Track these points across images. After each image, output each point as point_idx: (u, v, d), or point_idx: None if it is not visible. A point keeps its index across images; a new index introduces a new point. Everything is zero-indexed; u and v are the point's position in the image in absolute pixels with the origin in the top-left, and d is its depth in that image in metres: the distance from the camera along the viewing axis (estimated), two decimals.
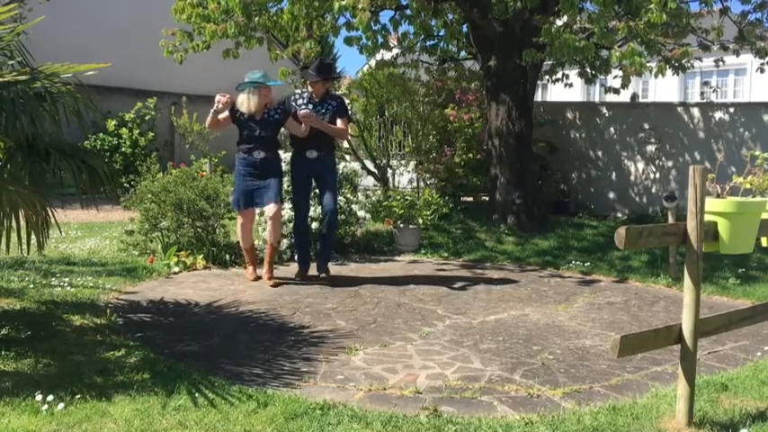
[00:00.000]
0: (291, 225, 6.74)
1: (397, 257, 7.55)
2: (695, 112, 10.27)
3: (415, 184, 10.46)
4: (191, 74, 11.72)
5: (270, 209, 5.88)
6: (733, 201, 3.15)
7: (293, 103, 6.10)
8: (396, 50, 9.96)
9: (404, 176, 10.59)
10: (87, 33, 13.15)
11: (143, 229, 6.84)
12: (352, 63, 59.26)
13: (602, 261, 7.38)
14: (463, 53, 10.54)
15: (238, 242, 7.42)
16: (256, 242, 7.43)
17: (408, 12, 8.03)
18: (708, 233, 3.09)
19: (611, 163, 10.81)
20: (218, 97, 5.81)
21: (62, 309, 4.85)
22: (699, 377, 3.44)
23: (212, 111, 5.86)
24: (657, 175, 10.43)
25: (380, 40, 7.68)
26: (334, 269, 6.73)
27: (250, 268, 6.24)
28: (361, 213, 7.84)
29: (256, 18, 7.54)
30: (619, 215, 10.53)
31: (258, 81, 5.80)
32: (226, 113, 5.90)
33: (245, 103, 5.83)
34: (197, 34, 7.94)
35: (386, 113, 10.51)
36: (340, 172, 7.88)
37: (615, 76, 8.91)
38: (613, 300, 5.79)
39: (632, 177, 10.62)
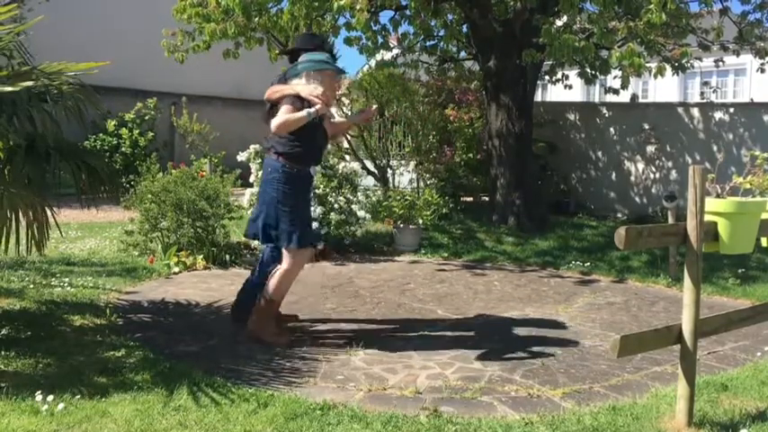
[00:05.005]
0: None
1: (397, 258, 7.54)
2: (695, 112, 10.27)
3: (415, 184, 10.46)
4: (190, 74, 11.73)
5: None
6: (733, 201, 3.15)
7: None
8: (396, 50, 9.96)
9: (404, 176, 10.59)
10: (87, 33, 13.16)
11: (143, 230, 6.83)
12: (352, 63, 59.31)
13: (601, 261, 7.38)
14: (463, 53, 10.55)
15: (239, 242, 7.43)
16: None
17: (408, 12, 8.04)
18: (708, 233, 3.09)
19: (611, 163, 10.81)
20: (317, 96, 4.03)
21: (62, 309, 4.85)
22: (699, 377, 3.44)
23: (310, 111, 4.02)
24: (657, 176, 10.43)
25: (380, 40, 7.69)
26: (335, 269, 6.73)
27: (275, 330, 4.38)
28: (361, 213, 7.83)
29: (256, 18, 7.54)
30: (619, 215, 10.54)
31: (337, 66, 4.25)
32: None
33: (317, 92, 4.08)
34: (198, 34, 7.94)
35: (386, 113, 10.50)
36: (339, 171, 7.87)
37: (615, 77, 8.91)
38: (613, 300, 5.79)
39: (632, 177, 10.63)
